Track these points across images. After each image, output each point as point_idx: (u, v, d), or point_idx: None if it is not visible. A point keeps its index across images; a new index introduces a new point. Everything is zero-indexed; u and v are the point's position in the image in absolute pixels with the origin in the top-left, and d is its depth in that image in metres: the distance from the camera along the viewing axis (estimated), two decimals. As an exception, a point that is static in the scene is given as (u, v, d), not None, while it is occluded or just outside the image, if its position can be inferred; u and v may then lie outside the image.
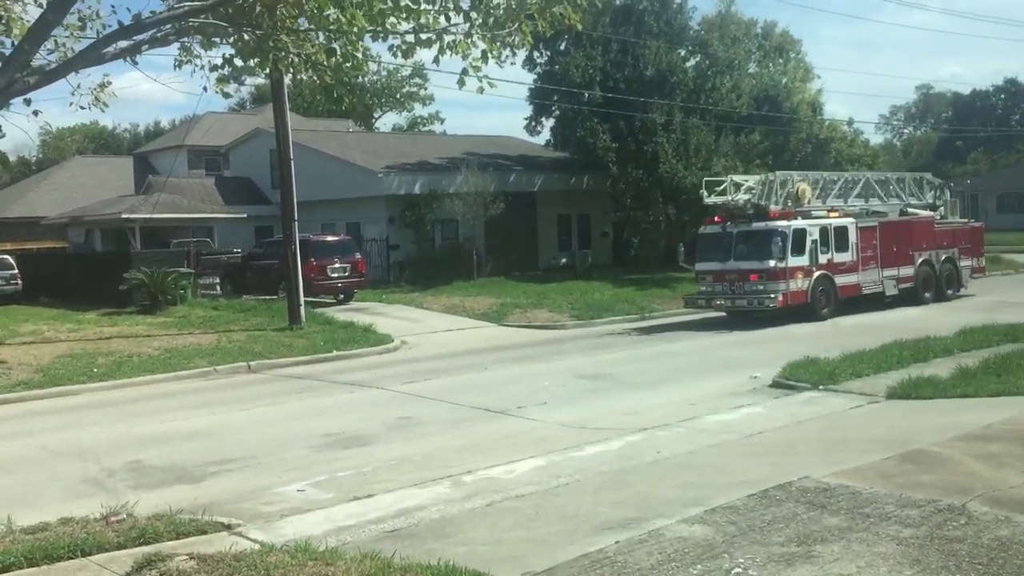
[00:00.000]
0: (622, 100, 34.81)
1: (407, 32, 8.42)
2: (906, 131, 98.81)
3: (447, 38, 8.55)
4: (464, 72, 8.58)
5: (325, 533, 7.65)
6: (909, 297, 25.93)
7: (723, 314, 24.25)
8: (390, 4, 8.09)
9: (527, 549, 6.90)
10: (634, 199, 36.13)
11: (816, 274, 23.24)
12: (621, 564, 6.33)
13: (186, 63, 8.54)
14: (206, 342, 20.99)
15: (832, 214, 24.69)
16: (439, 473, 9.64)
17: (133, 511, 8.20)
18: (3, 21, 7.31)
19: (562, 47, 37.15)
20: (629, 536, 6.90)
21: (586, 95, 35.65)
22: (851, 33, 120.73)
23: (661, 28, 36.92)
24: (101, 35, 7.38)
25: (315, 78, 8.96)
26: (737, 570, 6.10)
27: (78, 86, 8.30)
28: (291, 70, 8.60)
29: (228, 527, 7.89)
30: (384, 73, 63.58)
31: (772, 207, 23.53)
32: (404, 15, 8.32)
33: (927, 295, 26.57)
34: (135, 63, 7.39)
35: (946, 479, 7.98)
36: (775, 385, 13.92)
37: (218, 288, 30.51)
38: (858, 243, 24.65)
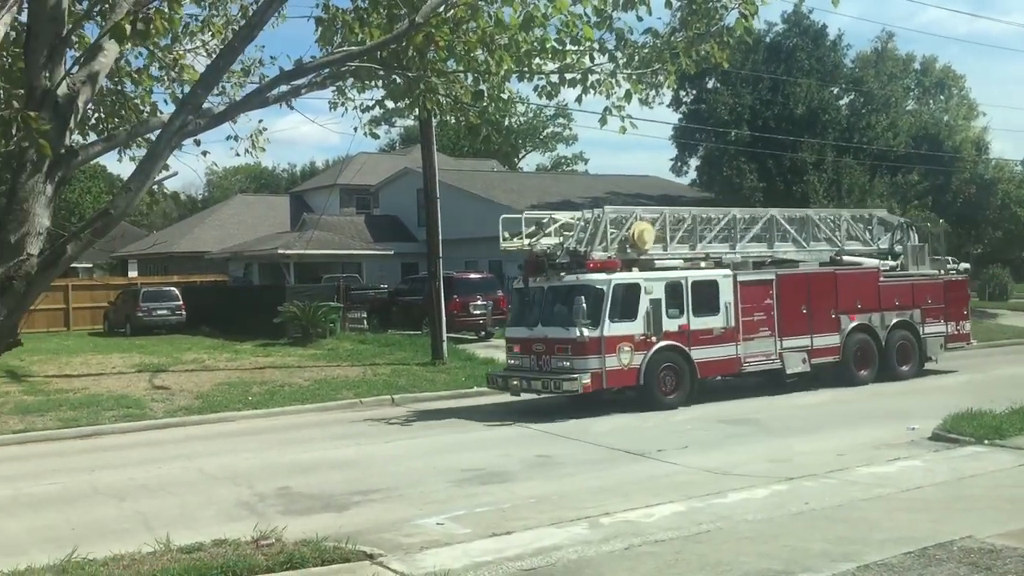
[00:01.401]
0: (770, 139, 34.09)
1: (552, 72, 8.52)
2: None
3: (591, 78, 8.59)
4: (607, 111, 8.60)
5: (464, 568, 7.67)
6: (835, 375, 19.64)
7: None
8: (536, 46, 8.21)
9: (666, 596, 6.71)
10: (782, 240, 35.18)
11: (657, 345, 17.08)
12: (765, 618, 6.07)
13: (340, 105, 8.93)
14: (352, 375, 21.64)
15: (703, 264, 18.69)
16: (576, 513, 9.53)
17: (282, 536, 8.47)
18: (176, 68, 7.85)
19: (708, 85, 36.80)
20: (774, 589, 6.61)
21: (733, 134, 35.12)
22: (1020, 68, 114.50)
23: (813, 65, 36.05)
24: (263, 81, 7.81)
25: (461, 119, 9.17)
26: (892, 632, 5.74)
27: (236, 136, 8.84)
28: (438, 111, 8.84)
29: (370, 556, 8.04)
30: (529, 114, 64.58)
31: (596, 254, 17.28)
32: (550, 56, 8.41)
33: (864, 373, 19.87)
34: (291, 107, 7.78)
35: None
36: (935, 438, 13.10)
37: (365, 322, 31.47)
38: (737, 303, 18.27)
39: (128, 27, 4.55)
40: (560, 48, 8.30)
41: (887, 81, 39.97)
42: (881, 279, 20.77)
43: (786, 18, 37.25)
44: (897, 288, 20.94)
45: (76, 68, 4.98)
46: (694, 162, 39.98)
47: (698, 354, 17.63)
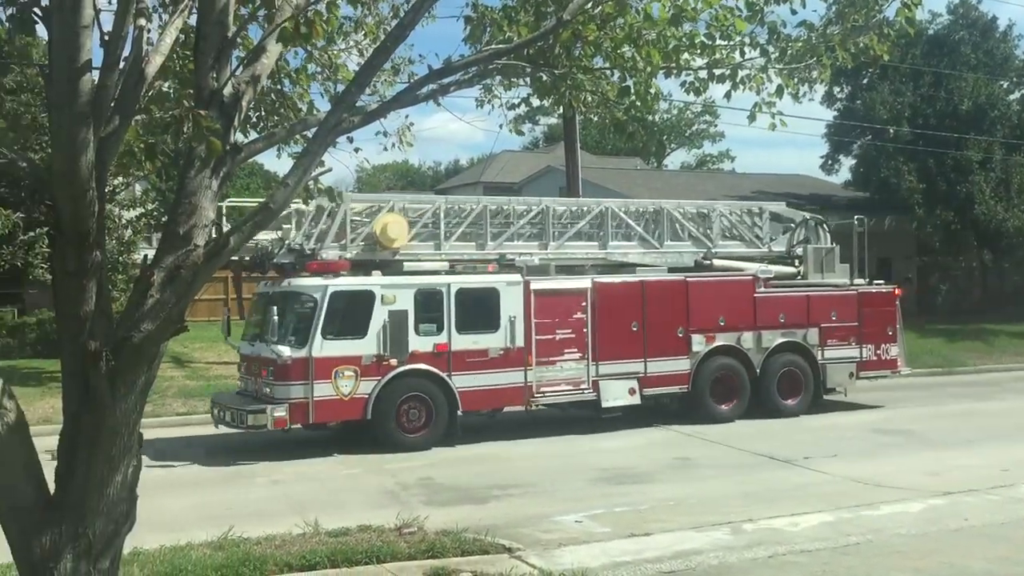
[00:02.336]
0: (932, 137, 32.35)
1: (700, 68, 8.35)
2: None
3: (741, 73, 8.37)
4: (756, 107, 8.35)
5: (602, 567, 7.64)
6: (683, 409, 16.08)
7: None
8: (685, 41, 8.06)
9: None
10: (943, 243, 33.33)
11: (398, 370, 13.71)
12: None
13: (487, 102, 9.03)
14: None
15: (490, 267, 15.13)
16: (718, 518, 9.33)
17: (423, 525, 8.66)
18: (331, 67, 8.13)
19: (864, 81, 35.25)
20: (930, 609, 6.28)
21: (891, 132, 33.51)
22: None
23: (980, 59, 33.99)
24: (412, 79, 7.99)
25: (606, 116, 9.11)
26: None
27: (384, 132, 9.09)
28: (584, 108, 8.81)
29: (509, 550, 8.11)
30: (673, 111, 63.73)
31: (327, 253, 14.05)
32: (699, 51, 8.25)
33: (724, 408, 16.04)
34: (439, 104, 7.92)
35: None
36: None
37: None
38: (528, 317, 14.60)
39: (292, 29, 4.72)
40: (710, 43, 8.12)
41: (1065, 74, 37.24)
42: (759, 289, 16.61)
43: (952, 9, 35.29)
44: (782, 301, 16.81)
45: (240, 69, 5.22)
46: (847, 161, 38.41)
47: (462, 381, 14.08)
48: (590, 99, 8.63)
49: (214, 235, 4.75)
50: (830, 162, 38.89)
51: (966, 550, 7.97)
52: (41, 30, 4.44)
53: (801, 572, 7.44)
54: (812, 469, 11.91)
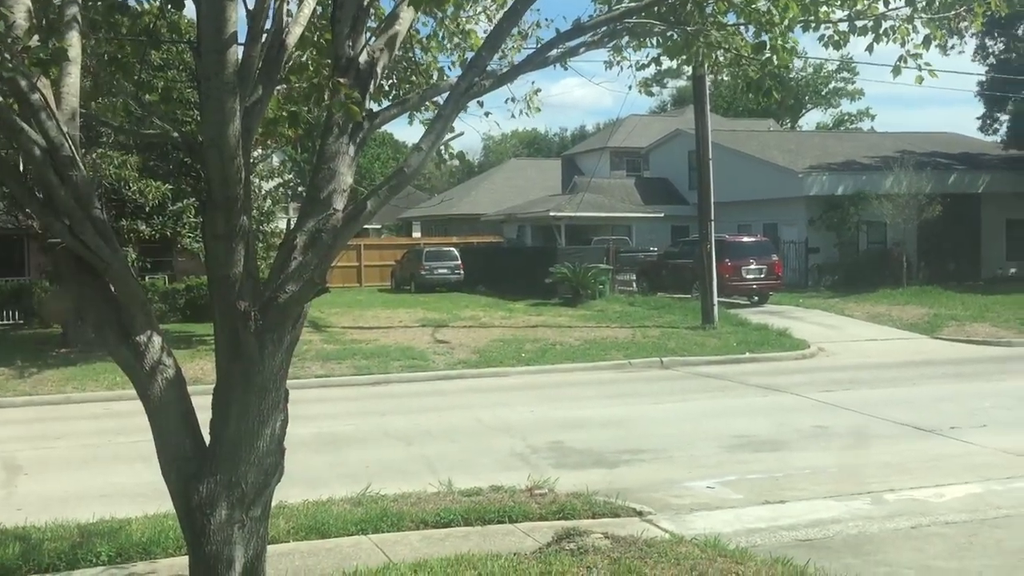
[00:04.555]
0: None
1: (841, 20, 7.98)
2: None
3: (884, 24, 7.96)
4: (901, 60, 7.93)
5: (735, 532, 7.55)
6: None
7: None
8: (824, -9, 7.72)
9: (959, 582, 6.23)
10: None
11: None
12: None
13: (615, 64, 8.91)
14: (622, 336, 21.80)
15: None
16: (857, 488, 9.06)
17: (554, 487, 8.75)
18: (461, 33, 8.18)
19: (1020, 32, 33.03)
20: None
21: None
22: None
23: None
24: (540, 43, 7.95)
25: (739, 74, 8.85)
26: None
27: (512, 98, 9.13)
28: (717, 66, 8.57)
29: (640, 514, 8.11)
30: (809, 69, 61.36)
31: None
32: (839, 3, 7.90)
33: None
34: (566, 67, 7.86)
35: None
36: None
37: (634, 285, 31.58)
38: None
39: (425, -5, 4.78)
40: (851, -8, 7.77)
41: None
42: None
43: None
44: None
45: (374, 38, 5.31)
46: (1006, 118, 36.03)
47: None
48: (722, 58, 8.40)
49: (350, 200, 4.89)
50: (988, 120, 36.64)
51: None
52: (189, 8, 4.65)
53: (945, 544, 7.15)
54: (960, 440, 11.39)
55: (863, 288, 29.62)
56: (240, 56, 4.26)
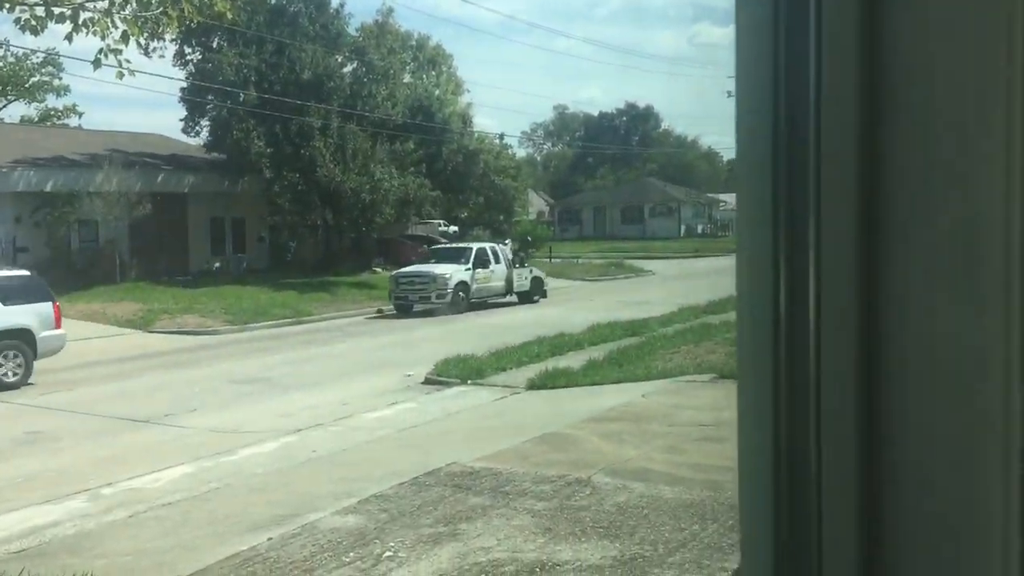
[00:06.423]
0: (278, 102, 34.21)
1: (37, 3, 7.75)
2: (545, 146, 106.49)
3: (83, 15, 7.98)
4: (101, 53, 8.03)
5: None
6: None
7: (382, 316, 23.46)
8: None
9: (175, 556, 6.64)
10: (292, 203, 35.61)
11: None
12: (274, 559, 6.30)
13: None
14: None
15: None
16: (75, 487, 8.93)
17: None
18: None
19: (215, 44, 35.72)
20: (282, 532, 6.88)
21: (241, 95, 34.59)
22: (499, 53, 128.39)
23: (318, 32, 36.77)
24: None
25: None
26: (388, 553, 6.32)
27: None
28: None
29: None
30: (11, 59, 57.20)
31: None
32: (32, -13, 7.66)
33: None
34: None
35: (575, 456, 8.81)
36: (428, 382, 14.47)
37: None
38: None
39: None
40: (44, -20, 7.60)
41: (387, 53, 42.08)
42: None
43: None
44: None
45: None
46: (206, 123, 38.59)
47: None
48: None
49: None
50: (190, 124, 38.73)
51: (314, 478, 8.86)
52: None
53: (161, 526, 7.52)
54: (174, 426, 12.00)
55: (78, 287, 28.91)
56: None
